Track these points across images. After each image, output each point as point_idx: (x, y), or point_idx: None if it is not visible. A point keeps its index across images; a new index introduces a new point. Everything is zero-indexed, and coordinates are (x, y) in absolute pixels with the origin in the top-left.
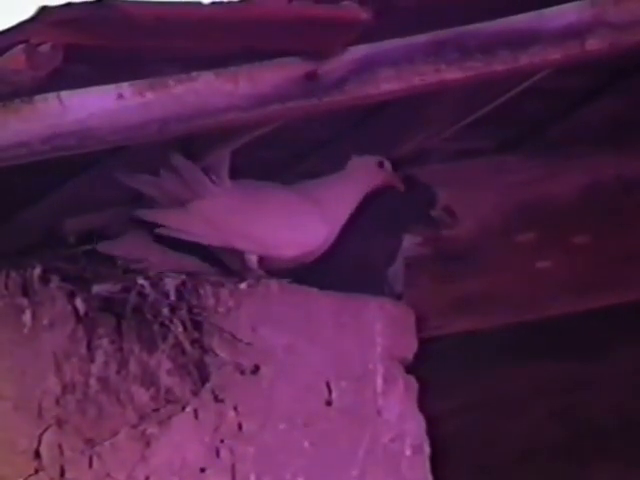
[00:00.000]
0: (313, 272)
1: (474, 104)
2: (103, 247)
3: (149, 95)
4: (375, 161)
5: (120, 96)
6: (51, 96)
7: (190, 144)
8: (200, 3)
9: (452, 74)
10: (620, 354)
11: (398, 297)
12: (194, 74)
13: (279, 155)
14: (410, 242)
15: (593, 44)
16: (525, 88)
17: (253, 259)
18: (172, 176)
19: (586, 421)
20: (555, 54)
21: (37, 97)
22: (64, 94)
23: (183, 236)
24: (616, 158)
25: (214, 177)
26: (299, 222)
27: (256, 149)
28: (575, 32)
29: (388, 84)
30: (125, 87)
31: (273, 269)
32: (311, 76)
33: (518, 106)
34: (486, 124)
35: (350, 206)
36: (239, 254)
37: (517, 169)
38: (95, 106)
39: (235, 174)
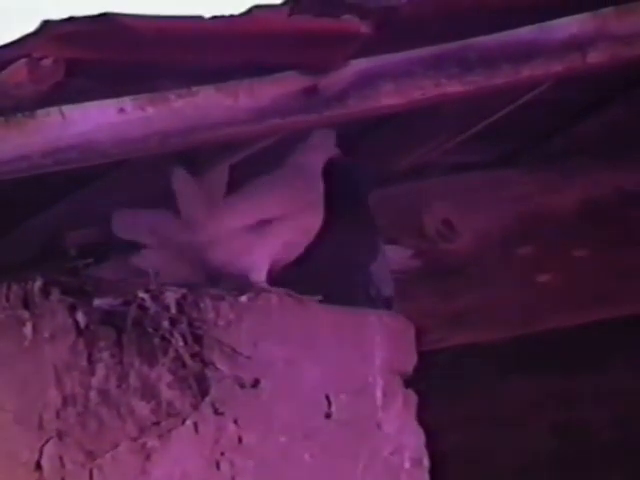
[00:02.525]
0: (298, 279)
1: (474, 117)
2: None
3: (150, 109)
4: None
5: (121, 110)
6: (53, 110)
7: (191, 158)
8: (201, 17)
9: (453, 88)
10: (620, 367)
11: (387, 302)
12: (195, 88)
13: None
14: (400, 255)
15: (594, 57)
16: (525, 101)
17: (262, 270)
18: (169, 220)
19: (586, 435)
20: (556, 67)
21: (39, 111)
22: (66, 108)
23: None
24: (616, 171)
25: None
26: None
27: (256, 163)
28: (576, 45)
29: (389, 98)
30: (126, 101)
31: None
32: (311, 90)
33: (518, 119)
34: (486, 137)
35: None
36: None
37: (517, 182)
38: (96, 120)
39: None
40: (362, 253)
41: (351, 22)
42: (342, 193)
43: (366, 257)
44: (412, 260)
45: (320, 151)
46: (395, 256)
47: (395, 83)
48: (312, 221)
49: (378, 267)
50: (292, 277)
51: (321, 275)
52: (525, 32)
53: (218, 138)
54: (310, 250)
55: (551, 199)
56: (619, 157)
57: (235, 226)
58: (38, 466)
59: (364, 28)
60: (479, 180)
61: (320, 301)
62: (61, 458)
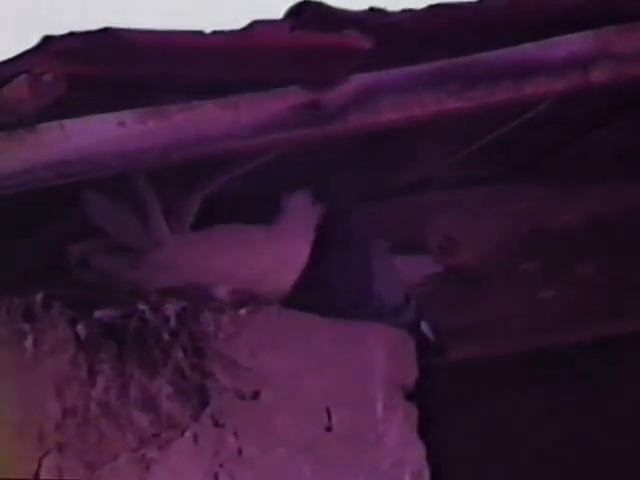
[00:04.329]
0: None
1: (477, 133)
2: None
3: (150, 123)
4: (308, 195)
5: (122, 124)
6: (54, 124)
7: (188, 173)
8: (202, 32)
9: (453, 104)
10: (621, 383)
11: (396, 311)
12: (195, 103)
13: (278, 182)
14: (424, 262)
15: (596, 75)
16: (528, 117)
17: (221, 288)
18: (131, 214)
19: (588, 451)
20: (558, 84)
21: (40, 126)
22: (66, 122)
23: (141, 287)
24: (620, 187)
25: (176, 222)
26: (244, 245)
27: (254, 177)
28: (579, 63)
29: (390, 113)
30: (127, 115)
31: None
32: (313, 105)
33: (521, 135)
34: (489, 153)
35: (304, 234)
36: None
37: (519, 198)
38: (97, 134)
39: (231, 204)
40: (359, 268)
41: (352, 37)
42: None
43: (363, 271)
44: (434, 266)
45: (302, 217)
46: (417, 264)
47: (396, 98)
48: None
49: (382, 279)
50: (294, 298)
51: (322, 295)
52: (527, 49)
53: (218, 152)
54: (308, 273)
55: (555, 215)
56: (622, 173)
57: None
58: (37, 478)
59: (365, 43)
60: (481, 195)
61: (321, 315)
62: (60, 470)
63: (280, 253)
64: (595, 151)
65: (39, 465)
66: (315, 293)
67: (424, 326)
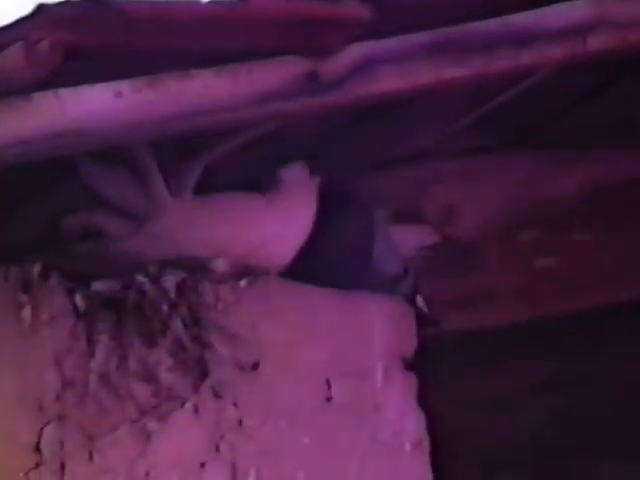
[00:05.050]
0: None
1: (476, 102)
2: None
3: (147, 93)
4: (304, 168)
5: (118, 94)
6: (49, 94)
7: (187, 142)
8: (198, 2)
9: (453, 72)
10: (621, 352)
11: (394, 282)
12: (193, 72)
13: (278, 154)
14: (421, 232)
15: (595, 42)
16: (527, 85)
17: (219, 261)
18: (131, 181)
19: (586, 418)
20: (556, 52)
21: (35, 95)
22: (62, 92)
23: (138, 256)
24: (619, 155)
25: (176, 189)
26: (243, 217)
27: (256, 147)
28: (577, 30)
29: (389, 83)
30: (123, 85)
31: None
32: (311, 75)
33: (520, 104)
34: (488, 122)
35: (305, 206)
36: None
37: (518, 167)
38: (93, 104)
39: (232, 173)
40: (359, 238)
41: (351, 6)
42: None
43: (364, 241)
44: (431, 236)
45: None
46: (415, 235)
47: (395, 68)
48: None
49: (381, 248)
50: (293, 269)
51: (321, 265)
52: (525, 17)
53: (217, 122)
54: (307, 243)
55: (553, 183)
56: (621, 141)
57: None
58: (37, 448)
59: (364, 12)
60: (480, 165)
61: (320, 284)
62: (61, 440)
63: (281, 223)
64: (595, 119)
65: (40, 435)
66: (315, 263)
67: (419, 299)
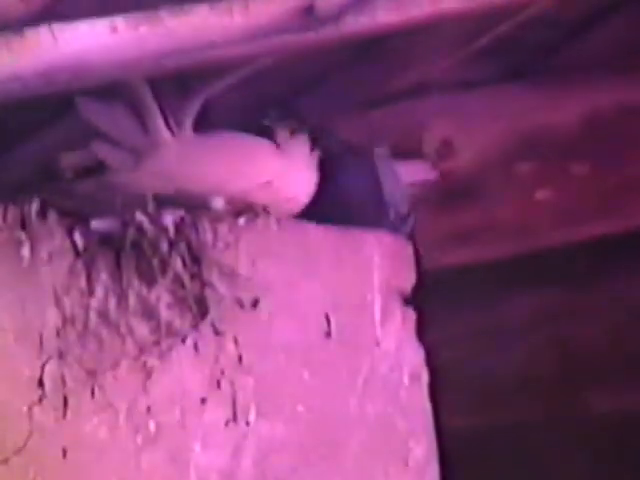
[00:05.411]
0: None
1: (474, 34)
2: (101, 180)
3: (143, 29)
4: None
5: (114, 29)
6: (43, 29)
7: (185, 78)
8: None
9: (451, 4)
10: (618, 283)
11: (405, 221)
12: (188, 7)
13: (277, 90)
14: (419, 168)
15: None
16: (526, 16)
17: (220, 200)
18: (130, 116)
19: (585, 348)
20: None
21: (28, 30)
22: (56, 27)
23: (135, 191)
24: (618, 85)
25: (175, 125)
26: (245, 154)
27: (254, 83)
28: None
29: (385, 16)
30: (119, 20)
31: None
32: (307, 9)
33: (519, 35)
34: (486, 54)
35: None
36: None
37: (517, 99)
38: (88, 40)
39: (231, 108)
40: (367, 178)
41: None
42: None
43: (372, 181)
44: (429, 171)
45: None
46: (412, 170)
47: (392, 0)
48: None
49: (391, 187)
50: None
51: (324, 209)
52: None
53: (213, 58)
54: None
55: (551, 115)
56: (621, 71)
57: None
58: (40, 383)
59: None
60: (479, 98)
61: (317, 222)
62: (62, 376)
63: (283, 163)
64: (594, 49)
65: (42, 372)
66: (323, 205)
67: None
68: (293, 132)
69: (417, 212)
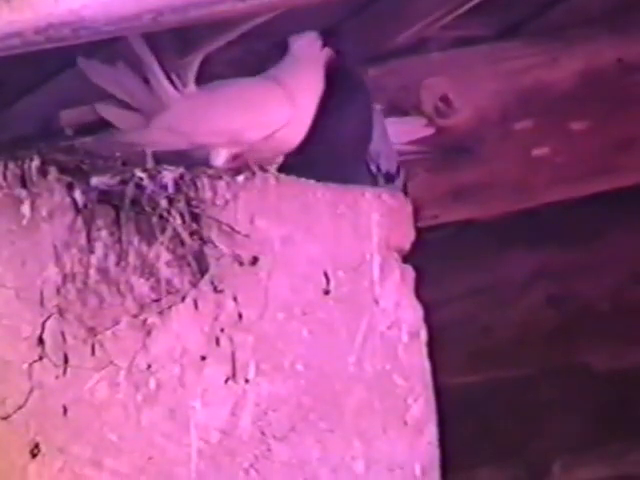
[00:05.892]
0: (298, 164)
1: None
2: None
3: None
4: (316, 37)
5: None
6: None
7: (185, 34)
8: None
9: None
10: (618, 240)
11: (390, 177)
12: None
13: (274, 45)
14: (415, 124)
15: None
16: None
17: (221, 154)
18: (133, 75)
19: (584, 306)
20: None
21: None
22: None
23: (146, 149)
24: (616, 41)
25: (178, 82)
26: (258, 103)
27: (253, 39)
28: None
29: None
30: None
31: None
32: None
33: None
34: (485, 10)
35: (314, 87)
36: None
37: (516, 56)
38: None
39: (230, 65)
40: (360, 131)
41: None
42: (335, 72)
43: (364, 134)
44: (426, 128)
45: (309, 59)
46: (409, 127)
47: None
48: (272, 121)
49: (378, 143)
50: (291, 162)
51: (320, 157)
52: None
53: (212, 15)
54: (308, 133)
55: (550, 72)
56: (620, 27)
57: (196, 109)
58: (40, 341)
59: None
60: (478, 55)
61: (317, 180)
62: (63, 334)
63: (289, 109)
64: (591, 5)
65: (42, 329)
66: (313, 156)
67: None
68: (302, 59)
69: (415, 170)
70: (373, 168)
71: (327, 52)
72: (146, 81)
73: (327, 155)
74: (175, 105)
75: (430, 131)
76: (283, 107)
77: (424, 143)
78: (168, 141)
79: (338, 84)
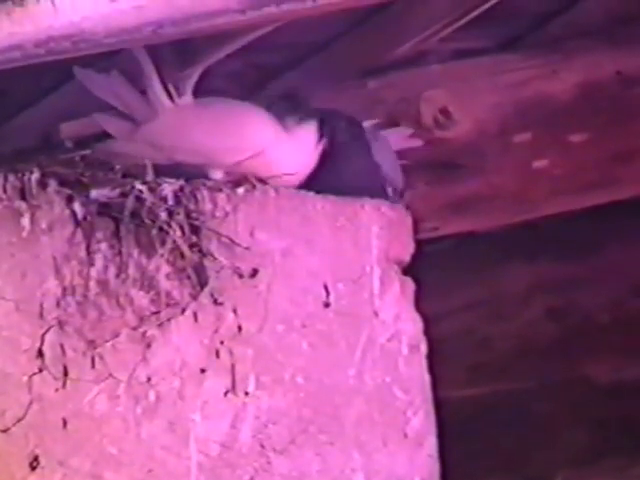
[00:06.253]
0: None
1: (471, 3)
2: (99, 148)
3: None
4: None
5: None
6: None
7: (185, 47)
8: None
9: None
10: (617, 252)
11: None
12: None
13: (276, 58)
14: (400, 136)
15: None
16: None
17: (219, 170)
18: (129, 85)
19: (583, 318)
20: None
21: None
22: None
23: (131, 160)
24: (615, 54)
25: (175, 94)
26: (234, 127)
27: (253, 52)
28: None
29: None
30: None
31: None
32: None
33: (516, 3)
34: (484, 23)
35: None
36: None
37: (515, 68)
38: (88, 9)
39: (230, 78)
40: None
41: None
42: None
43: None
44: (412, 140)
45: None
46: (408, 139)
47: None
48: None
49: (389, 163)
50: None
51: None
52: None
53: (212, 28)
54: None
55: (549, 84)
56: (619, 40)
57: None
58: (40, 353)
59: None
60: (477, 67)
61: (316, 192)
62: (62, 346)
63: (270, 138)
64: (591, 18)
65: (42, 341)
66: (320, 182)
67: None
68: (301, 120)
69: (415, 182)
70: (390, 191)
71: (324, 143)
72: (143, 91)
73: (326, 177)
74: (160, 118)
75: (417, 143)
76: (263, 132)
77: (424, 155)
78: (148, 154)
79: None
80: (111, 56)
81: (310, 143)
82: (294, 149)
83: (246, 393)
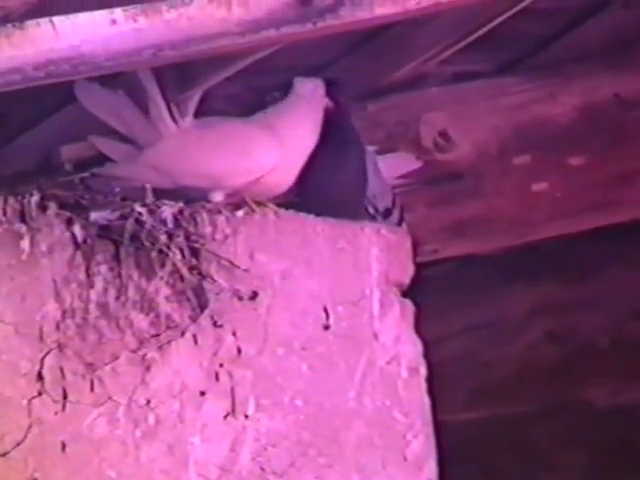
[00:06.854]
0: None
1: (471, 26)
2: (100, 171)
3: (142, 21)
4: (320, 84)
5: (113, 22)
6: (43, 21)
7: (185, 70)
8: None
9: None
10: (617, 275)
11: (387, 214)
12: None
13: (273, 81)
14: (404, 160)
15: None
16: (522, 8)
17: (219, 193)
18: (132, 106)
19: (583, 341)
20: None
21: (29, 22)
22: (56, 19)
23: (134, 184)
24: (614, 77)
25: (178, 116)
26: (243, 149)
27: (251, 76)
28: None
29: (382, 7)
30: (118, 12)
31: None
32: (306, 0)
33: (515, 27)
34: (483, 46)
35: (309, 133)
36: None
37: (514, 91)
38: (88, 32)
39: (230, 101)
40: (354, 171)
41: None
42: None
43: (358, 175)
44: (412, 162)
45: (310, 104)
46: (398, 163)
47: None
48: (257, 167)
49: (373, 185)
50: (289, 201)
51: (317, 198)
52: None
53: (211, 50)
54: (303, 175)
55: (548, 107)
56: (618, 63)
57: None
58: (39, 377)
59: None
60: (476, 90)
61: (317, 215)
62: (62, 369)
63: (281, 153)
64: (590, 41)
65: (41, 364)
66: (309, 196)
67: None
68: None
69: (415, 205)
70: (371, 210)
71: (327, 101)
72: (145, 111)
73: (322, 200)
74: (165, 141)
75: (418, 164)
76: (270, 153)
77: (424, 177)
78: (153, 179)
79: (332, 134)
80: (114, 77)
81: (305, 153)
82: (292, 165)
83: (246, 416)
